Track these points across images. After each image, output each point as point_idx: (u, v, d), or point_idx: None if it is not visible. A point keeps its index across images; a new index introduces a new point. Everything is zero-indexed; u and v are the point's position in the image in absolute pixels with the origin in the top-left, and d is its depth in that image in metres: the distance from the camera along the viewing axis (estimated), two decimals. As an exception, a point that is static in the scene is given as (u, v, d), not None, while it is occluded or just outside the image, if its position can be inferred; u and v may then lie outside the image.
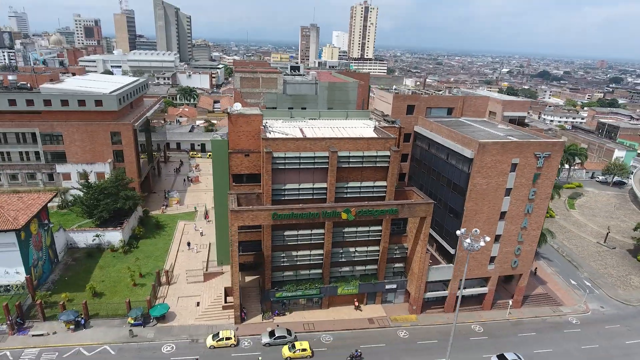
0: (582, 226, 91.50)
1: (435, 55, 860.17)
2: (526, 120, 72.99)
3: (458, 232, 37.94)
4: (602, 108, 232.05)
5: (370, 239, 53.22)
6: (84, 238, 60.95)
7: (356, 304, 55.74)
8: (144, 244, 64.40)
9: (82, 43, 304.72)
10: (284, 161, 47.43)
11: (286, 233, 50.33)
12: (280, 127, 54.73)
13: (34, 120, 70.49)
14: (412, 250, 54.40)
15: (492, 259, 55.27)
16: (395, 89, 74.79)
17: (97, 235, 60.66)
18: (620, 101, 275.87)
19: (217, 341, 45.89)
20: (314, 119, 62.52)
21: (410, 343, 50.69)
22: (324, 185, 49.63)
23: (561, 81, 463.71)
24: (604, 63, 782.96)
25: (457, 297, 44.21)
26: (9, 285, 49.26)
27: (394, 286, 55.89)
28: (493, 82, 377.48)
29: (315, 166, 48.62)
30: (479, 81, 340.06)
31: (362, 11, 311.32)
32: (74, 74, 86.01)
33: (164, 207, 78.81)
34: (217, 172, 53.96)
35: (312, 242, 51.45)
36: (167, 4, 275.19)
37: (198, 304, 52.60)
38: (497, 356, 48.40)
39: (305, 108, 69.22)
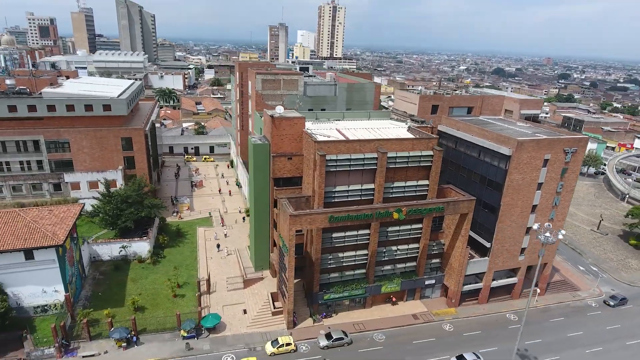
0: (572, 215, 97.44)
1: (394, 53, 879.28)
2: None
3: (535, 226, 39.75)
4: (562, 103, 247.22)
5: (411, 236, 54.37)
6: (109, 250, 57.96)
7: (393, 299, 56.76)
8: (169, 253, 62.12)
9: (37, 43, 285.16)
10: (335, 163, 47.54)
11: (334, 235, 50.44)
12: (317, 130, 54.65)
13: (38, 127, 66.00)
14: (449, 245, 56.09)
15: (522, 250, 58.10)
16: (419, 90, 76.34)
17: (124, 247, 57.88)
18: (575, 96, 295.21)
19: (277, 348, 45.36)
20: (338, 120, 63.02)
21: (457, 335, 52.39)
22: (372, 186, 50.21)
23: (516, 78, 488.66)
24: (550, 60, 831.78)
25: (534, 282, 45.89)
26: (46, 305, 46.08)
27: (433, 281, 57.44)
28: (455, 79, 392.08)
29: (365, 167, 49.10)
30: (444, 79, 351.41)
31: (330, 11, 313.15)
32: (67, 77, 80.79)
33: (175, 213, 76.19)
34: (258, 176, 53.16)
35: (358, 242, 51.90)
36: (130, 2, 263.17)
37: (245, 311, 51.64)
38: (457, 357, 47.36)
39: (324, 109, 69.28)
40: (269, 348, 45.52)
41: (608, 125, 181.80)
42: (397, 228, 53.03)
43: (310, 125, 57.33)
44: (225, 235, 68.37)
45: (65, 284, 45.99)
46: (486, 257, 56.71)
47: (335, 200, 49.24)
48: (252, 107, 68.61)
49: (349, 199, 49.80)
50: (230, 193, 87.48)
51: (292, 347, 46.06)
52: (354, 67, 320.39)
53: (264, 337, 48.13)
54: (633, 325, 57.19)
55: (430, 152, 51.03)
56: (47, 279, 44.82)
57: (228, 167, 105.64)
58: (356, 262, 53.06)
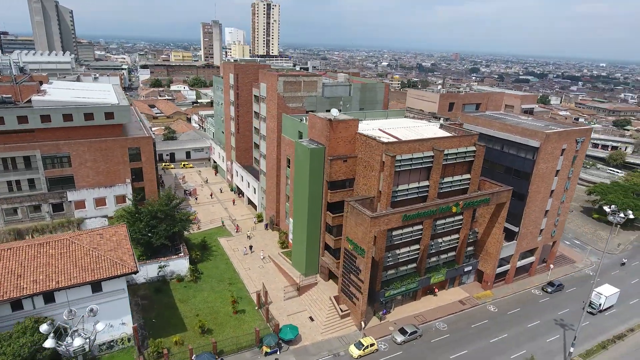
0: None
1: (316, 50, 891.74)
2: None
3: (607, 209, 44.54)
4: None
5: (453, 228, 57.48)
6: (144, 272, 53.04)
7: (435, 290, 59.69)
8: (205, 268, 58.53)
9: None
10: (400, 164, 48.68)
11: (394, 233, 51.67)
12: (361, 130, 55.13)
13: (32, 141, 57.88)
14: (483, 233, 60.24)
15: (540, 232, 64.37)
16: (438, 89, 79.58)
17: (161, 267, 53.43)
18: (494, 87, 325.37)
19: (363, 350, 45.61)
20: (361, 120, 64.00)
21: (504, 315, 56.79)
22: (427, 183, 52.21)
23: (435, 72, 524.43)
24: (457, 55, 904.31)
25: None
26: (112, 341, 41.21)
27: (470, 268, 61.32)
28: (384, 75, 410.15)
29: (423, 166, 50.90)
30: (376, 75, 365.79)
31: (264, 8, 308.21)
32: (41, 82, 70.60)
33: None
34: (313, 180, 52.44)
35: (412, 238, 53.70)
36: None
37: (311, 318, 50.86)
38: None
39: (340, 110, 69.72)
40: (355, 351, 45.58)
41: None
42: (443, 221, 55.75)
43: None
44: (249, 236, 67.01)
45: (131, 314, 41.61)
46: (514, 241, 61.93)
47: (398, 199, 50.44)
48: (272, 110, 66.72)
49: (408, 197, 51.31)
50: (234, 202, 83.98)
51: (375, 347, 46.66)
52: (291, 64, 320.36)
53: (341, 341, 48.04)
54: (629, 287, 66.33)
55: (474, 148, 54.40)
56: (114, 312, 40.16)
57: (215, 174, 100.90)
58: (409, 257, 54.82)
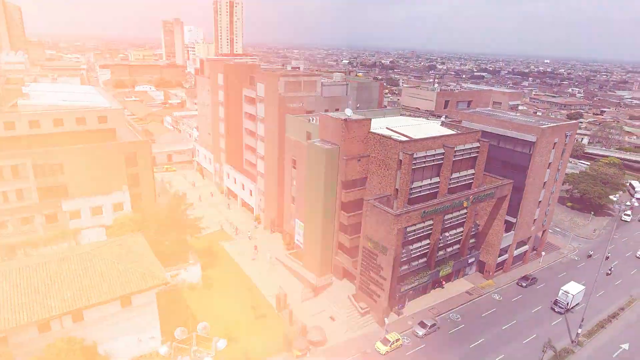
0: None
1: (275, 48, 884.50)
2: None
3: (613, 197, 47.55)
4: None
5: (458, 222, 59.43)
6: (156, 282, 50.92)
7: (443, 283, 61.57)
8: (214, 274, 57.00)
9: None
10: (416, 161, 49.70)
11: (408, 229, 52.71)
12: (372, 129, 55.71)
13: (18, 148, 53.91)
14: (484, 225, 62.73)
15: (534, 221, 67.88)
16: (435, 87, 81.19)
17: (174, 275, 51.50)
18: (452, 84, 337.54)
19: (390, 346, 46.37)
20: (360, 119, 64.71)
21: (508, 302, 59.47)
22: (437, 179, 53.64)
23: (395, 70, 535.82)
24: (414, 53, 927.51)
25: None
26: (141, 357, 39.35)
27: (473, 259, 63.69)
28: (348, 72, 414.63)
29: (434, 163, 52.24)
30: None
31: (227, 6, 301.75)
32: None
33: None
34: (328, 180, 52.36)
35: (424, 233, 55.01)
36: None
37: (332, 318, 50.96)
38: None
39: (338, 109, 70.06)
40: (382, 347, 46.25)
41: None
42: (450, 215, 57.48)
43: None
44: (249, 238, 65.94)
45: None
46: (512, 231, 64.94)
47: (412, 196, 51.49)
48: (272, 110, 65.87)
49: (421, 194, 52.52)
50: (229, 206, 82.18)
51: (400, 342, 47.55)
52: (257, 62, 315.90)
53: (365, 338, 48.54)
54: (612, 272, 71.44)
55: (478, 144, 56.48)
56: (143, 326, 38.41)
57: (203, 177, 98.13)
58: (421, 252, 56.14)
